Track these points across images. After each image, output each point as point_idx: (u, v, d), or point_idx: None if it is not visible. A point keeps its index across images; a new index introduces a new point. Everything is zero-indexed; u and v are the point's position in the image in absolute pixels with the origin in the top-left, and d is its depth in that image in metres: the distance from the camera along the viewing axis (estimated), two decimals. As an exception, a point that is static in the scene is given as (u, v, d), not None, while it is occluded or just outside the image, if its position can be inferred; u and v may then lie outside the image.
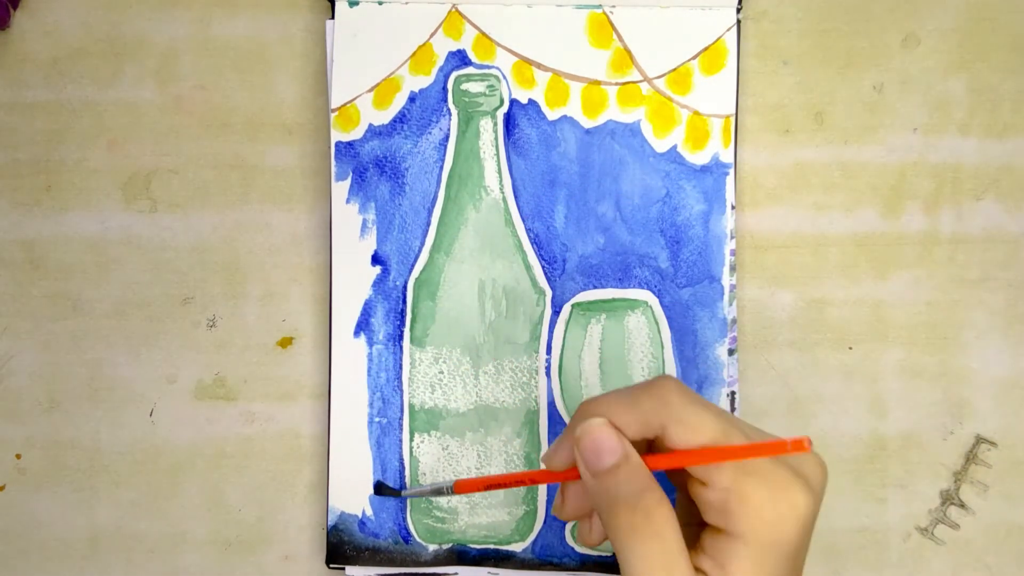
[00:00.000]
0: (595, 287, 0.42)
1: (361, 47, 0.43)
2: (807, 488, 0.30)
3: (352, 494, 0.42)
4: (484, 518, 0.42)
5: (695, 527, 0.32)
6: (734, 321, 0.42)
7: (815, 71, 0.44)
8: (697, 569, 0.31)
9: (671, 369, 0.42)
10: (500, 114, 0.43)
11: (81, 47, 0.45)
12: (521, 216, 0.43)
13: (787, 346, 0.43)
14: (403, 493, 0.42)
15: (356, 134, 0.43)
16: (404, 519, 0.42)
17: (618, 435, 0.32)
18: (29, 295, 0.44)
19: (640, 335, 0.42)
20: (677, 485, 0.35)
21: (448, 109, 0.43)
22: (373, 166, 0.43)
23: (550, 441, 0.42)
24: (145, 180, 0.44)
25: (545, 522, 0.42)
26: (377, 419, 0.43)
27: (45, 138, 0.44)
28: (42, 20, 0.45)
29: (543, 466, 0.36)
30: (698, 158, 0.42)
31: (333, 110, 0.43)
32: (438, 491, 0.40)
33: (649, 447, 0.33)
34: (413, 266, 0.43)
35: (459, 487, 0.38)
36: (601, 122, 0.43)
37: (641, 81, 0.43)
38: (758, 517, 0.30)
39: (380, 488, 0.42)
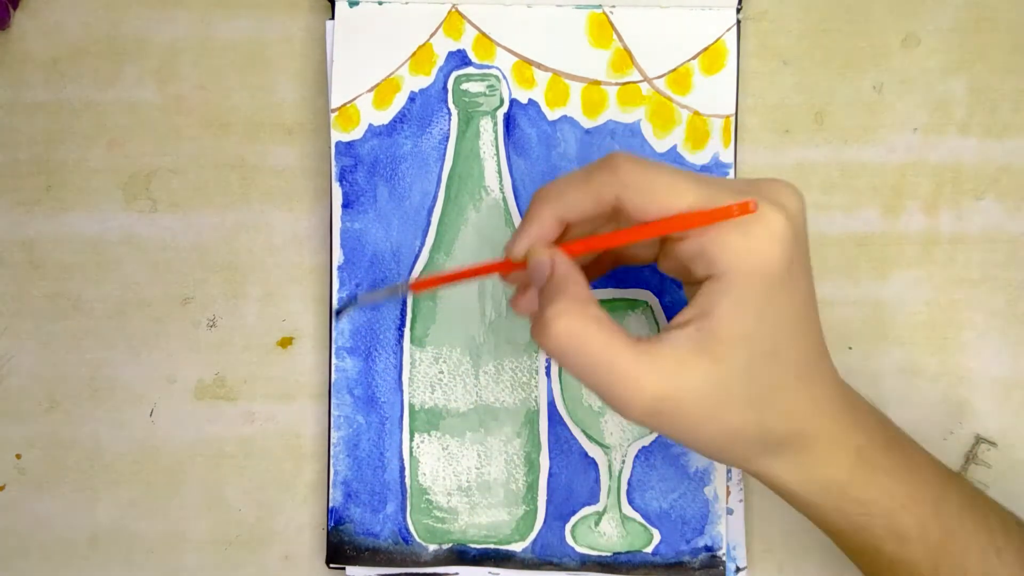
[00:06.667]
0: (595, 287, 0.42)
1: (361, 47, 0.43)
2: (779, 209, 0.30)
3: (352, 494, 0.42)
4: (484, 518, 0.42)
5: None
6: (734, 321, 0.42)
7: (815, 71, 0.44)
8: (684, 324, 0.31)
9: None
10: (500, 114, 0.43)
11: (81, 47, 0.45)
12: (521, 216, 0.43)
13: (787, 346, 0.43)
14: (359, 298, 0.42)
15: (356, 134, 0.43)
16: (404, 519, 0.42)
17: (549, 251, 0.33)
18: (29, 295, 0.44)
19: (640, 335, 0.42)
20: (675, 264, 0.34)
21: (448, 109, 0.43)
22: (373, 166, 0.43)
23: (550, 441, 0.42)
24: (145, 180, 0.44)
25: (545, 522, 0.42)
26: (377, 419, 0.43)
27: (45, 138, 0.44)
28: (42, 20, 0.45)
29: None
30: (698, 158, 0.42)
31: (333, 110, 0.43)
32: (393, 291, 0.41)
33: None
34: (413, 266, 0.43)
35: (415, 286, 0.40)
36: (601, 122, 0.43)
37: (641, 81, 0.43)
38: (733, 248, 0.30)
39: (339, 312, 0.42)
